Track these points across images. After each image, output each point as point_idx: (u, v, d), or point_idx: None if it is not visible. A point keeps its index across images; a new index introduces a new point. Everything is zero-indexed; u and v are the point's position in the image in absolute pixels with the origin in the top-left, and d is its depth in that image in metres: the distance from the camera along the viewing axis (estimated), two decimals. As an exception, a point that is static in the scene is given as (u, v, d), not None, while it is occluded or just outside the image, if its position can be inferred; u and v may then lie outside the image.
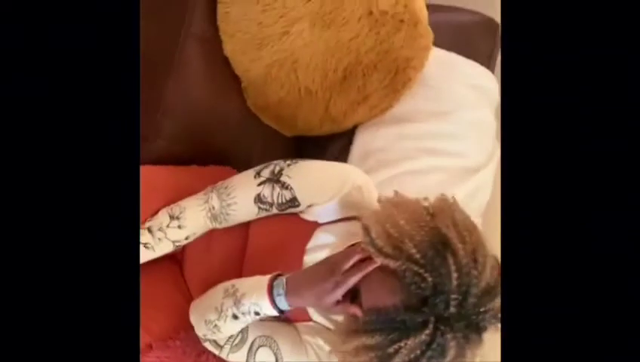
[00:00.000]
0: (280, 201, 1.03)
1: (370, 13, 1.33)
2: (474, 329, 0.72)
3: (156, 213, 1.11)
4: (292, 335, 1.00)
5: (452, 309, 0.71)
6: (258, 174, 1.05)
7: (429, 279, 0.71)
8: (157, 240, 1.08)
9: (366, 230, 0.79)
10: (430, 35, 1.42)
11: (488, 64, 1.58)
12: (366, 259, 0.80)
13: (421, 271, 0.71)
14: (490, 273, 0.73)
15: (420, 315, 0.71)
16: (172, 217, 1.08)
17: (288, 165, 1.04)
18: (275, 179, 1.03)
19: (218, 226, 1.09)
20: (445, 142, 1.49)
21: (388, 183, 1.43)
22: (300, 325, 1.01)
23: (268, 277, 0.94)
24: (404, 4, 1.35)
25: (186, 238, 1.10)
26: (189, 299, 1.12)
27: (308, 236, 1.03)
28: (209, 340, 1.04)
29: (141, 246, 1.08)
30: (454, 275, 0.70)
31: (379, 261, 0.75)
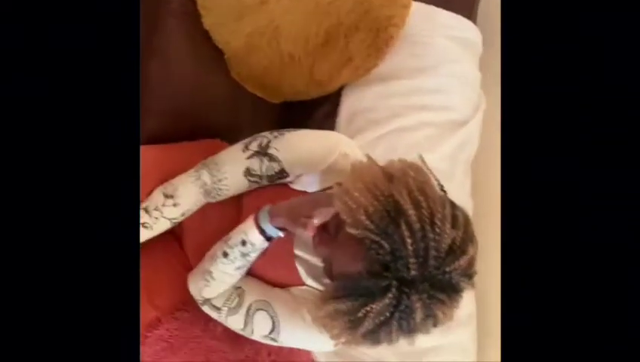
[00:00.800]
0: (269, 174, 1.05)
1: (347, -26, 1.32)
2: (440, 289, 0.75)
3: (151, 192, 1.14)
4: (287, 299, 1.05)
5: (413, 272, 0.74)
6: (246, 148, 1.07)
7: (386, 246, 0.74)
8: (154, 220, 1.12)
9: (334, 203, 0.81)
10: (410, -9, 1.42)
11: (470, 15, 1.57)
12: None
13: (377, 238, 0.74)
14: (452, 233, 0.75)
15: (382, 280, 0.74)
16: (166, 196, 1.11)
17: (275, 137, 1.06)
18: (263, 152, 1.05)
19: (212, 201, 1.13)
20: (432, 96, 1.50)
21: (377, 142, 1.45)
22: (295, 289, 1.06)
23: None
24: (381, -37, 1.34)
25: (182, 215, 1.13)
26: (191, 270, 1.16)
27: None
28: (208, 303, 1.09)
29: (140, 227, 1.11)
30: (408, 241, 0.73)
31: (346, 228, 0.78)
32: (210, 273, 1.06)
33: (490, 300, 1.43)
